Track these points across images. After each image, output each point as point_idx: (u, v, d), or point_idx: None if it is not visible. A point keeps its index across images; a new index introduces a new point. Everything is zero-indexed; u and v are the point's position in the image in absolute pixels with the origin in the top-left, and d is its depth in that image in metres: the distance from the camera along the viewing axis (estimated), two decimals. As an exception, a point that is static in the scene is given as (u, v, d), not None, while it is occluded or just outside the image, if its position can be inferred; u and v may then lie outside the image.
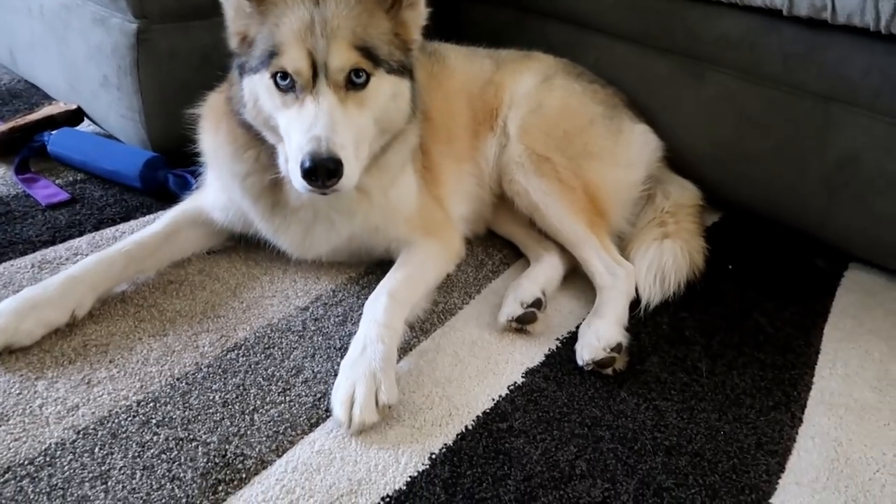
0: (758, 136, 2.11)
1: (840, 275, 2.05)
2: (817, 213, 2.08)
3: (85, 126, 2.32)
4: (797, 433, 1.44)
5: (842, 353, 1.70)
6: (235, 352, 1.50)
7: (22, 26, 2.42)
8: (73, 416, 1.29)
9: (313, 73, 1.38)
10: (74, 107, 2.26)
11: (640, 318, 1.73)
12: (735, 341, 1.70)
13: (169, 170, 2.03)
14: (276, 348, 1.52)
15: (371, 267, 1.83)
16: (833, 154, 1.99)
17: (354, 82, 1.42)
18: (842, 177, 1.99)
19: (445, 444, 1.32)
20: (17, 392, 1.33)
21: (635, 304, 1.74)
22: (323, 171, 1.33)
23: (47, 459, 1.20)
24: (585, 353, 1.54)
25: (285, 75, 1.39)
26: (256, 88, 1.46)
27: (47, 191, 1.98)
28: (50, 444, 1.23)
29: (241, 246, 1.84)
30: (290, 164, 1.40)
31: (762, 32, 2.02)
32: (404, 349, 1.55)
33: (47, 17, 2.25)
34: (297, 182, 1.39)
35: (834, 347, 1.72)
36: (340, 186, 1.37)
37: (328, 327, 1.61)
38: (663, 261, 1.78)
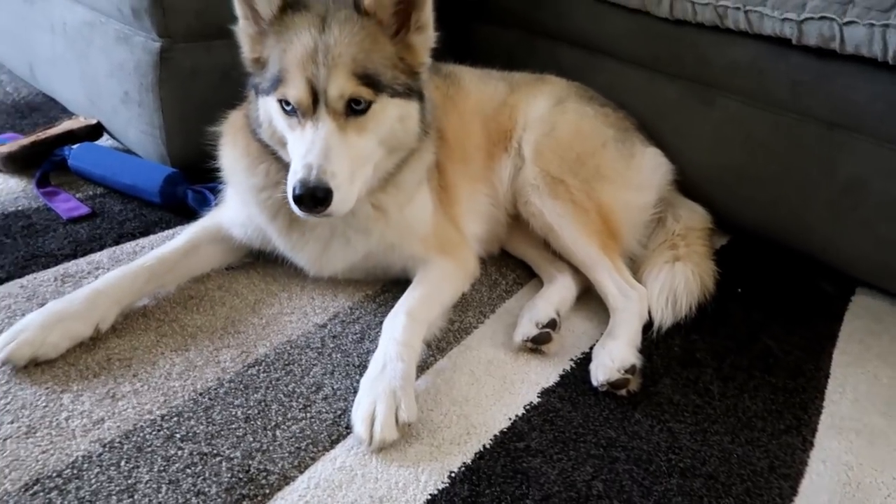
0: (765, 160, 2.15)
1: (847, 299, 2.08)
2: (824, 237, 2.12)
3: (104, 141, 2.35)
4: (809, 457, 1.47)
5: (850, 378, 1.73)
6: (256, 368, 1.52)
7: (43, 42, 2.46)
8: (98, 429, 1.32)
9: (314, 99, 1.42)
10: (94, 121, 2.29)
11: (651, 340, 1.76)
12: (745, 364, 1.73)
13: (188, 185, 2.06)
14: (295, 365, 1.55)
15: (387, 285, 1.86)
16: (839, 179, 2.03)
17: (355, 108, 1.45)
18: (848, 202, 2.03)
19: (464, 463, 1.35)
20: (44, 405, 1.35)
21: (648, 326, 1.77)
22: (309, 198, 1.38)
23: (74, 472, 1.22)
24: (600, 373, 1.57)
25: (287, 101, 1.44)
26: (269, 109, 1.51)
27: (68, 204, 2.01)
28: (77, 456, 1.25)
29: (259, 262, 1.87)
30: (287, 186, 1.43)
31: (771, 60, 2.06)
32: (421, 367, 1.57)
33: (70, 33, 2.29)
34: (291, 205, 1.43)
35: (843, 372, 1.75)
36: (331, 212, 1.41)
37: (346, 345, 1.63)
38: (675, 284, 1.81)
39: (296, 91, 1.42)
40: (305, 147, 1.40)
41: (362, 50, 1.45)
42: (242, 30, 1.56)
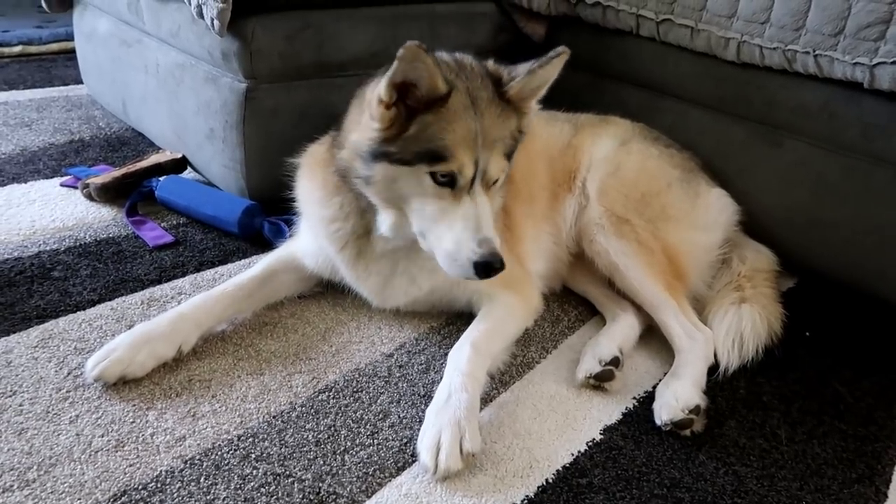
0: (836, 203, 2.12)
1: (922, 347, 2.02)
2: (897, 282, 2.06)
3: (187, 174, 2.50)
4: (882, 508, 1.43)
5: (927, 428, 1.68)
6: (326, 393, 1.58)
7: (136, 81, 2.65)
8: (180, 446, 1.39)
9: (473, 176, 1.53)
10: (179, 155, 2.44)
11: (716, 381, 1.74)
12: (814, 409, 1.70)
13: (265, 217, 2.17)
14: (363, 392, 1.60)
15: (451, 318, 1.90)
16: (914, 224, 1.98)
17: (497, 180, 1.58)
18: (923, 248, 1.98)
19: (527, 496, 1.37)
20: (131, 421, 1.44)
21: (713, 368, 1.76)
22: (493, 269, 1.49)
23: (158, 486, 1.30)
24: (664, 413, 1.57)
25: (445, 175, 1.50)
26: (399, 176, 1.53)
27: (154, 233, 2.14)
28: (161, 471, 1.33)
29: (329, 292, 1.95)
30: (444, 252, 1.52)
31: (842, 103, 2.04)
32: (485, 400, 1.60)
33: (162, 74, 2.46)
34: (460, 271, 1.51)
35: (918, 422, 1.70)
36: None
37: (412, 374, 1.68)
38: (742, 326, 1.80)
39: (465, 170, 1.51)
40: (473, 221, 1.50)
41: (505, 131, 1.58)
42: (382, 110, 1.51)
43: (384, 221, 1.63)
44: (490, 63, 1.67)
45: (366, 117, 1.55)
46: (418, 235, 1.59)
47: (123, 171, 2.33)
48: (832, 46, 1.97)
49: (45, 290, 1.83)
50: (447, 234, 1.52)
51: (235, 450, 1.40)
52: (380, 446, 1.45)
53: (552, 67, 1.58)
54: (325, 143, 1.80)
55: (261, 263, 1.88)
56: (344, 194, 1.70)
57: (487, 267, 1.49)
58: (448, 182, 1.51)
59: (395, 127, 1.51)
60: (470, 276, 1.51)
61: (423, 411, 1.49)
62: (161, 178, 2.31)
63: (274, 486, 1.33)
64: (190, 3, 2.06)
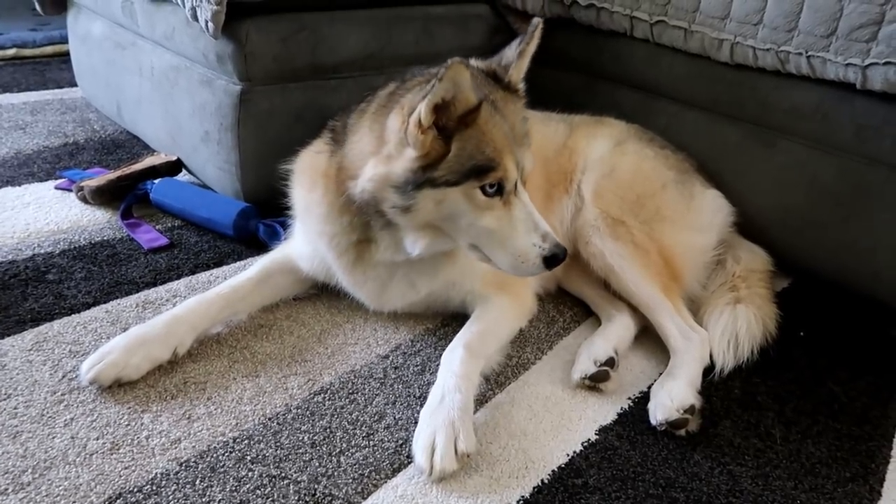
0: (829, 204, 2.12)
1: (917, 347, 2.03)
2: (891, 283, 2.07)
3: (182, 176, 2.49)
4: (876, 507, 1.44)
5: (920, 427, 1.68)
6: (322, 395, 1.58)
7: (131, 84, 2.65)
8: (175, 448, 1.39)
9: None
10: (174, 158, 2.44)
11: (711, 381, 1.75)
12: (809, 409, 1.71)
13: (260, 220, 2.17)
14: (359, 394, 1.60)
15: (447, 319, 1.91)
16: (908, 224, 1.99)
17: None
18: (917, 248, 1.99)
19: (523, 497, 1.37)
20: (126, 423, 1.43)
21: (708, 369, 1.76)
22: (560, 260, 1.53)
23: (154, 488, 1.30)
24: (659, 413, 1.57)
25: (493, 184, 1.49)
26: (445, 198, 1.49)
27: (149, 235, 2.13)
28: (156, 473, 1.33)
29: (324, 294, 1.94)
30: (510, 257, 1.53)
31: (835, 104, 2.05)
32: (480, 401, 1.60)
33: (157, 76, 2.46)
34: (531, 269, 1.53)
35: (912, 421, 1.70)
36: None
37: (407, 376, 1.68)
38: (737, 326, 1.81)
39: (511, 173, 1.51)
40: (531, 220, 1.53)
41: (522, 121, 1.61)
42: (421, 136, 1.45)
43: (416, 243, 1.57)
44: (476, 61, 1.66)
45: (391, 147, 1.50)
46: (467, 248, 1.59)
47: (118, 173, 2.33)
48: (824, 47, 1.97)
49: (39, 292, 1.82)
50: (510, 240, 1.53)
51: (231, 452, 1.40)
52: (375, 448, 1.45)
53: (535, 41, 1.65)
54: (321, 152, 1.74)
55: (256, 266, 1.88)
56: (352, 214, 1.64)
57: (556, 259, 1.52)
58: (497, 190, 1.51)
59: (434, 151, 1.46)
60: (540, 272, 1.55)
61: (419, 413, 1.49)
62: (156, 181, 2.30)
63: (269, 488, 1.32)
64: (184, 6, 2.06)
